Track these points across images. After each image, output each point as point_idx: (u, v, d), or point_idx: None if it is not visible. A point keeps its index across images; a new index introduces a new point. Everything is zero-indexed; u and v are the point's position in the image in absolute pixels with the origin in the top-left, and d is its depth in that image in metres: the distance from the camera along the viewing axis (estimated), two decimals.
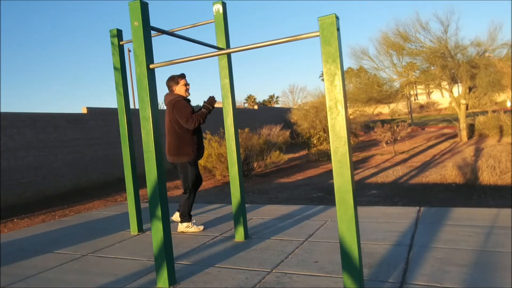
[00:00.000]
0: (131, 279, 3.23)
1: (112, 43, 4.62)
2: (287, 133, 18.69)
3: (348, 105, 14.59)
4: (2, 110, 10.16)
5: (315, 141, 13.54)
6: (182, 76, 4.46)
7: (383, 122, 19.78)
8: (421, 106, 44.21)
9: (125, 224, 5.06)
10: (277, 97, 65.92)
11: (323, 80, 11.22)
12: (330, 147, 2.52)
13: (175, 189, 9.30)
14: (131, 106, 6.06)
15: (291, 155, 14.52)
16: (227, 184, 8.98)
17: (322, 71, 2.72)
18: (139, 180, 4.78)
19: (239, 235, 4.12)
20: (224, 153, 9.09)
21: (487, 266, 2.96)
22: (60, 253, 4.12)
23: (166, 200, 3.03)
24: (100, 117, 11.40)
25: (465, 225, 4.04)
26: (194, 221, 4.67)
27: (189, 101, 4.50)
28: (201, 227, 4.61)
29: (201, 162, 9.97)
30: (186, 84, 4.46)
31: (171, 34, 3.60)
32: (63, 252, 4.15)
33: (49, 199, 9.06)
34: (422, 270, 2.97)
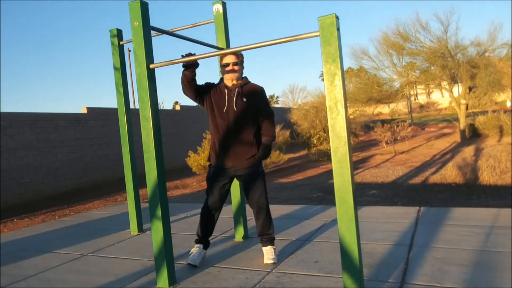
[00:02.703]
0: (131, 279, 3.23)
1: (112, 43, 4.62)
2: (287, 133, 18.69)
3: (348, 105, 14.57)
4: (2, 110, 10.16)
5: (315, 141, 13.51)
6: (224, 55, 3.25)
7: (383, 122, 19.77)
8: (421, 106, 44.19)
9: (125, 224, 5.06)
10: (277, 97, 65.95)
11: (323, 80, 11.21)
12: (330, 147, 2.52)
13: (175, 189, 9.30)
14: (131, 106, 6.06)
15: (291, 155, 14.52)
16: None
17: (322, 71, 2.72)
18: (139, 180, 4.78)
19: (239, 235, 4.12)
20: None
21: (487, 266, 2.96)
22: (60, 253, 4.12)
23: (166, 200, 3.03)
24: (100, 117, 11.40)
25: (465, 225, 4.04)
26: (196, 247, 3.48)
27: (236, 88, 3.24)
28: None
29: (201, 162, 9.96)
30: (223, 65, 3.28)
31: (171, 34, 3.60)
32: (63, 252, 4.15)
33: (49, 199, 9.06)
34: (422, 270, 2.97)
